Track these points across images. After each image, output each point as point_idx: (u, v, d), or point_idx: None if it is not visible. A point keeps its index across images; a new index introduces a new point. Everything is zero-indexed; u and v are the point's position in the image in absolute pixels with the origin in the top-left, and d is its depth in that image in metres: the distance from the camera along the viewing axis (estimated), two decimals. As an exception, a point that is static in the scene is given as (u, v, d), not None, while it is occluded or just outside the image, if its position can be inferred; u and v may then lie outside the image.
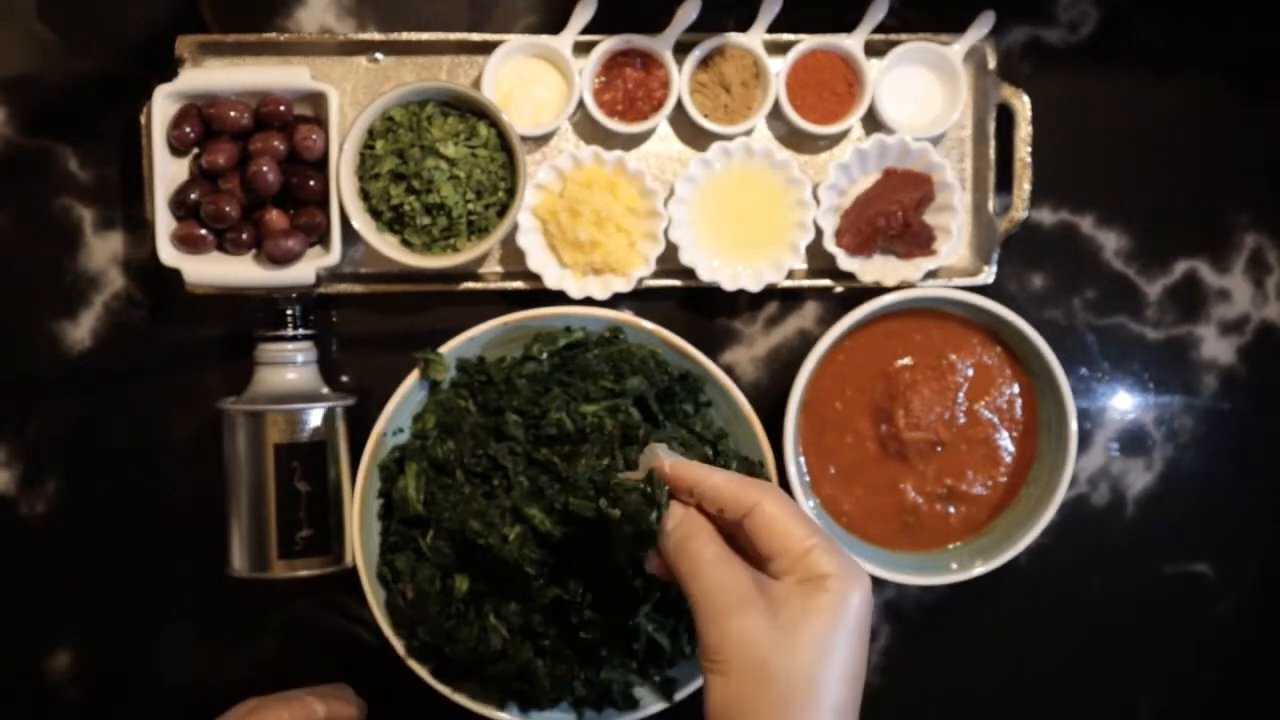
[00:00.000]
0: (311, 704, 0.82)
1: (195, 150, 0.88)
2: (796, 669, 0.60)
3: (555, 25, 0.91)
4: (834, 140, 0.95)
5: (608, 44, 0.91)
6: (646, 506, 0.69)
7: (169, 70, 0.89)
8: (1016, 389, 0.91)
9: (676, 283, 0.93)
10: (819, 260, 0.93)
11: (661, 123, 0.93)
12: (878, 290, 0.90)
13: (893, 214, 0.89)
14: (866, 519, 0.90)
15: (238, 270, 0.88)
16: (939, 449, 0.90)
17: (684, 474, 0.68)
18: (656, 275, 0.92)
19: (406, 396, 0.88)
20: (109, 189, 0.92)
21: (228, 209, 0.86)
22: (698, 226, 0.92)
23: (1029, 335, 0.87)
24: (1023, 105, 0.92)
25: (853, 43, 0.92)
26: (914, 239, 0.91)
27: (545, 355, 0.89)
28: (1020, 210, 0.93)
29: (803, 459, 0.90)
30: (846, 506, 0.90)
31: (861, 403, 0.90)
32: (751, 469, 0.88)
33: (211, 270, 0.88)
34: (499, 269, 0.94)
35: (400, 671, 0.87)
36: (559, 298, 0.91)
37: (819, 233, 0.91)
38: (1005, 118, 0.93)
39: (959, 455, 0.90)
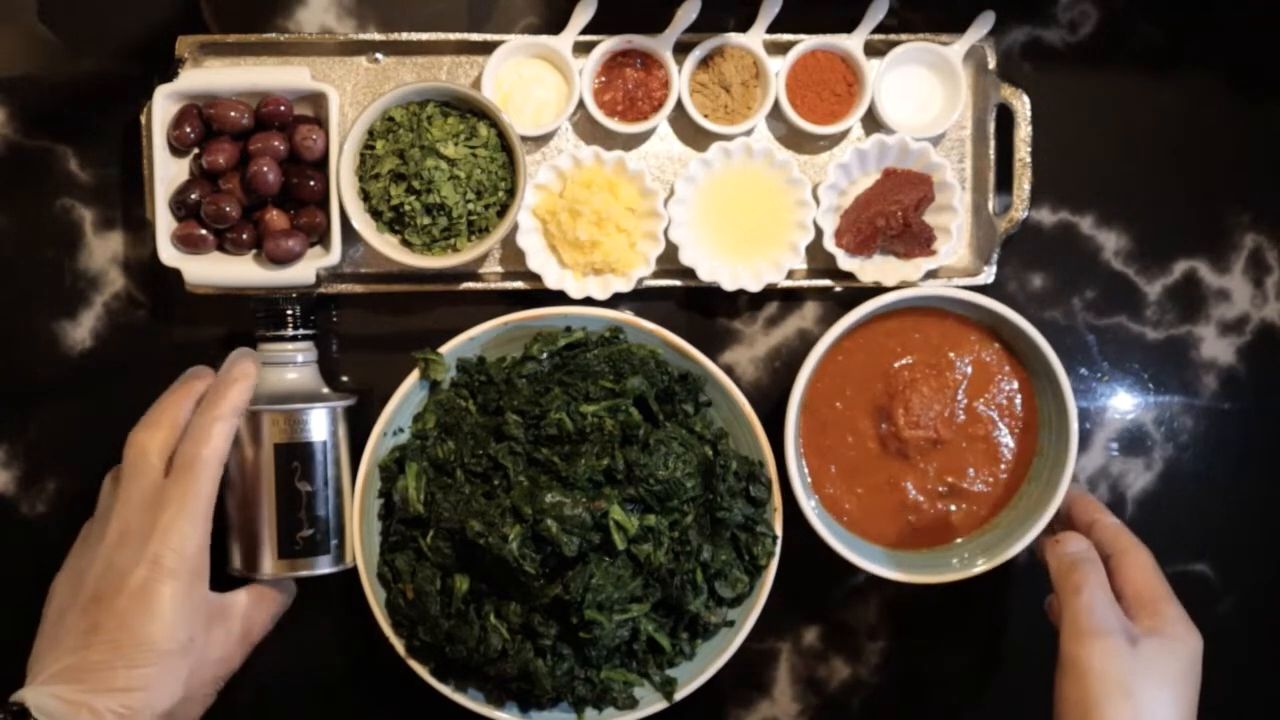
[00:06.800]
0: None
1: (195, 150, 0.88)
2: (1149, 692, 0.74)
3: (555, 25, 0.91)
4: (834, 140, 0.95)
5: (608, 44, 0.91)
6: None
7: (169, 70, 0.89)
8: (1015, 385, 0.91)
9: (676, 283, 0.92)
10: (819, 260, 0.93)
11: (661, 123, 0.93)
12: (877, 290, 0.90)
13: (893, 214, 0.89)
14: (868, 518, 0.90)
15: (238, 270, 0.88)
16: (939, 447, 0.90)
17: (1087, 506, 0.87)
18: (656, 275, 0.92)
19: (406, 396, 0.88)
20: (109, 189, 0.92)
21: (228, 209, 0.86)
22: (698, 226, 0.92)
23: (1026, 331, 0.87)
24: (1022, 105, 0.92)
25: (853, 43, 0.92)
26: (914, 239, 0.91)
27: (545, 355, 0.89)
28: (1020, 210, 0.93)
29: (803, 459, 0.90)
30: (848, 506, 0.90)
31: (861, 402, 0.90)
32: (751, 469, 0.88)
33: (211, 270, 0.88)
34: (499, 269, 0.94)
35: (400, 671, 0.87)
36: (559, 298, 0.91)
37: (819, 233, 0.91)
38: (1005, 118, 0.93)
39: (959, 453, 0.90)
